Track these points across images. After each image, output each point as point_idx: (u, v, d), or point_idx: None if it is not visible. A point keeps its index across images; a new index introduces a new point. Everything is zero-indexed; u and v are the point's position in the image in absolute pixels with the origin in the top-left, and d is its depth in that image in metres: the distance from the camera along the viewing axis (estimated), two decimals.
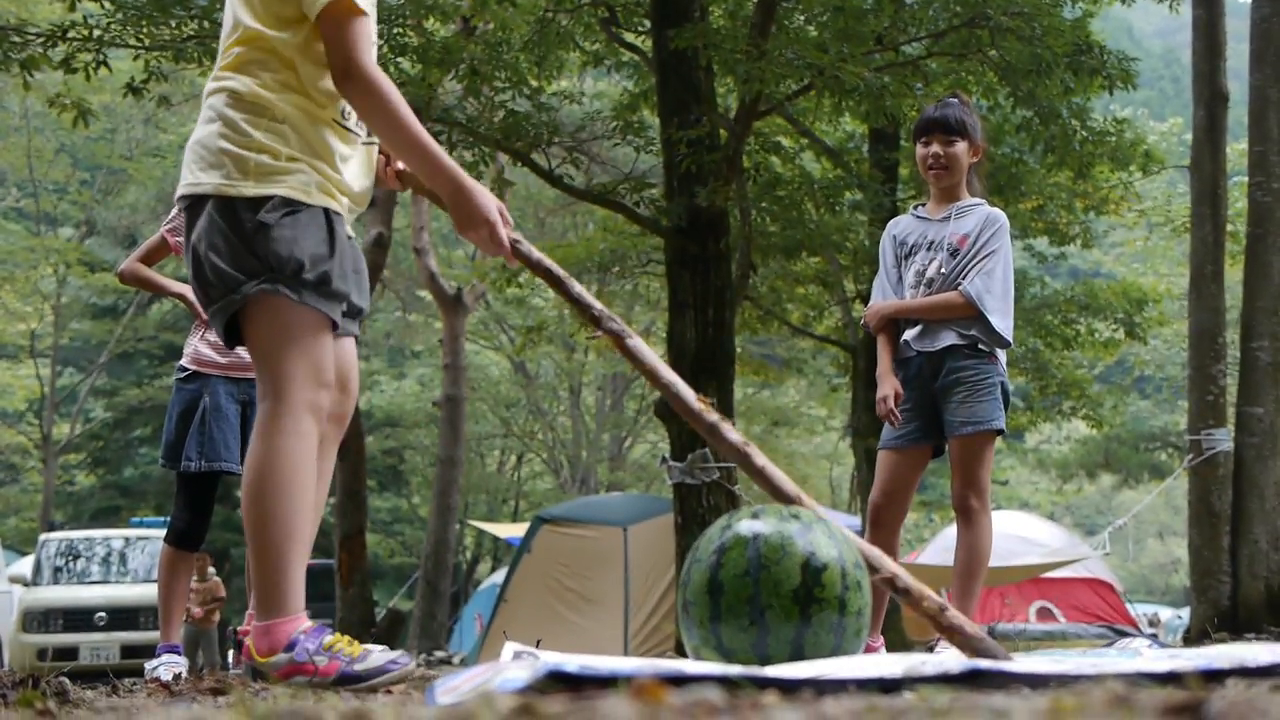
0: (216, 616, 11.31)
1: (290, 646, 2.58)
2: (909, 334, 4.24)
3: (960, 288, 4.15)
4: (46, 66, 9.15)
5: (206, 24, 9.03)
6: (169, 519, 4.97)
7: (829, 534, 2.39)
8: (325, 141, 2.68)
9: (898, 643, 10.48)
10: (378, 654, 2.63)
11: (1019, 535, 12.81)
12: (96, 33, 8.98)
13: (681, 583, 2.44)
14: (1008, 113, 10.36)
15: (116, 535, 14.42)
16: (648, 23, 10.44)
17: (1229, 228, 10.36)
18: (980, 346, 4.16)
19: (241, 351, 3.04)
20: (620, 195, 10.34)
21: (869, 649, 3.93)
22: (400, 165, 2.98)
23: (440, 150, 2.72)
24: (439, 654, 14.47)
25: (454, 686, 1.93)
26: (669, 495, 9.73)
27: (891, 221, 4.55)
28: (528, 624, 10.77)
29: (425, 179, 2.77)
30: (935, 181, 4.30)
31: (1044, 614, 14.43)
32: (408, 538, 30.42)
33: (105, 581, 13.34)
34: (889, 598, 4.42)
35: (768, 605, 2.28)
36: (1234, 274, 10.50)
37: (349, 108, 2.72)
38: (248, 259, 2.59)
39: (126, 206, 26.84)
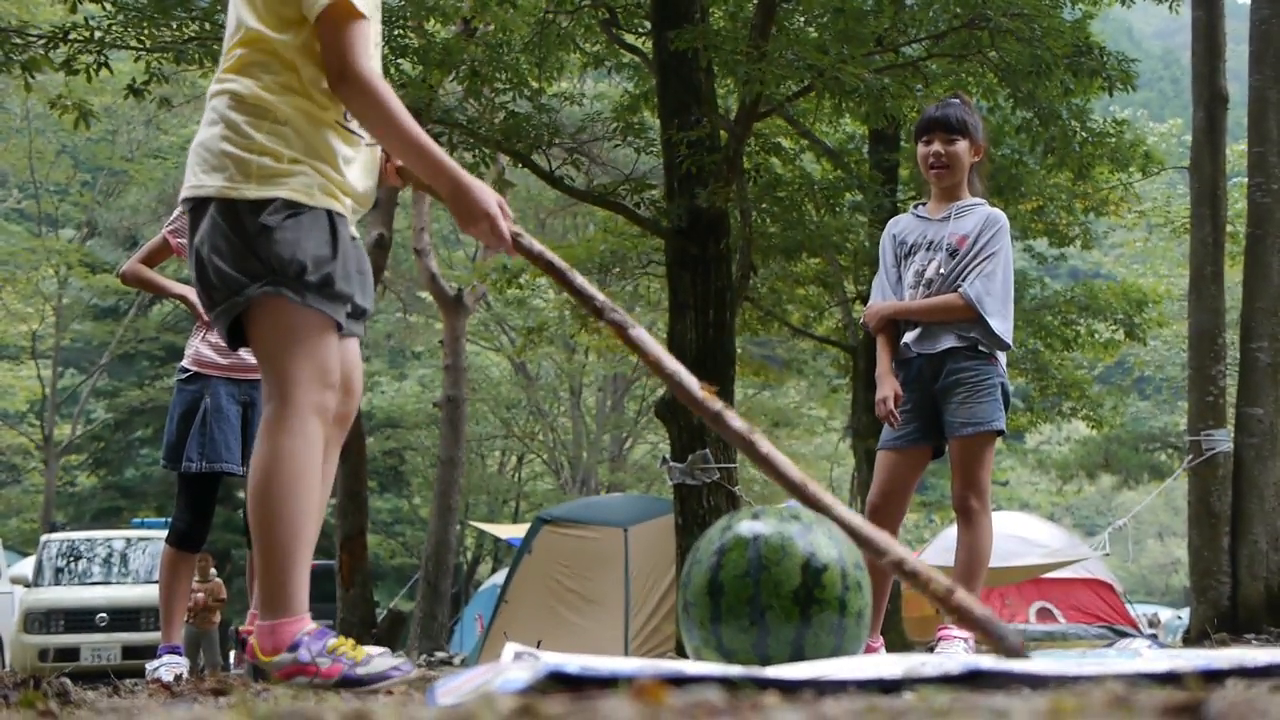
0: (217, 617, 11.33)
1: (294, 647, 2.59)
2: (909, 336, 4.24)
3: (960, 290, 4.14)
4: (48, 68, 9.16)
5: (207, 25, 9.05)
6: (170, 520, 4.97)
7: (829, 535, 2.39)
8: (328, 143, 2.69)
9: (898, 643, 10.49)
10: (380, 659, 2.63)
11: (1019, 536, 12.81)
12: (98, 34, 9.00)
13: (682, 583, 2.45)
14: (1007, 114, 10.37)
15: (118, 536, 14.43)
16: (648, 24, 10.44)
17: (1229, 229, 10.36)
18: (980, 348, 4.16)
19: (243, 353, 3.04)
20: (621, 196, 10.35)
21: (869, 649, 3.93)
22: (399, 162, 2.99)
23: (438, 149, 2.73)
24: (440, 655, 14.46)
25: (455, 687, 1.93)
26: (669, 496, 9.73)
27: (891, 220, 4.54)
28: (528, 625, 10.77)
29: (425, 178, 2.78)
30: (936, 181, 4.29)
31: (1044, 614, 14.43)
32: (408, 538, 30.42)
33: (106, 582, 13.36)
34: (889, 598, 4.43)
35: (768, 606, 2.28)
36: (1234, 275, 10.51)
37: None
38: (251, 261, 2.60)
39: (127, 208, 26.85)
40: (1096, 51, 9.13)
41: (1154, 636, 14.16)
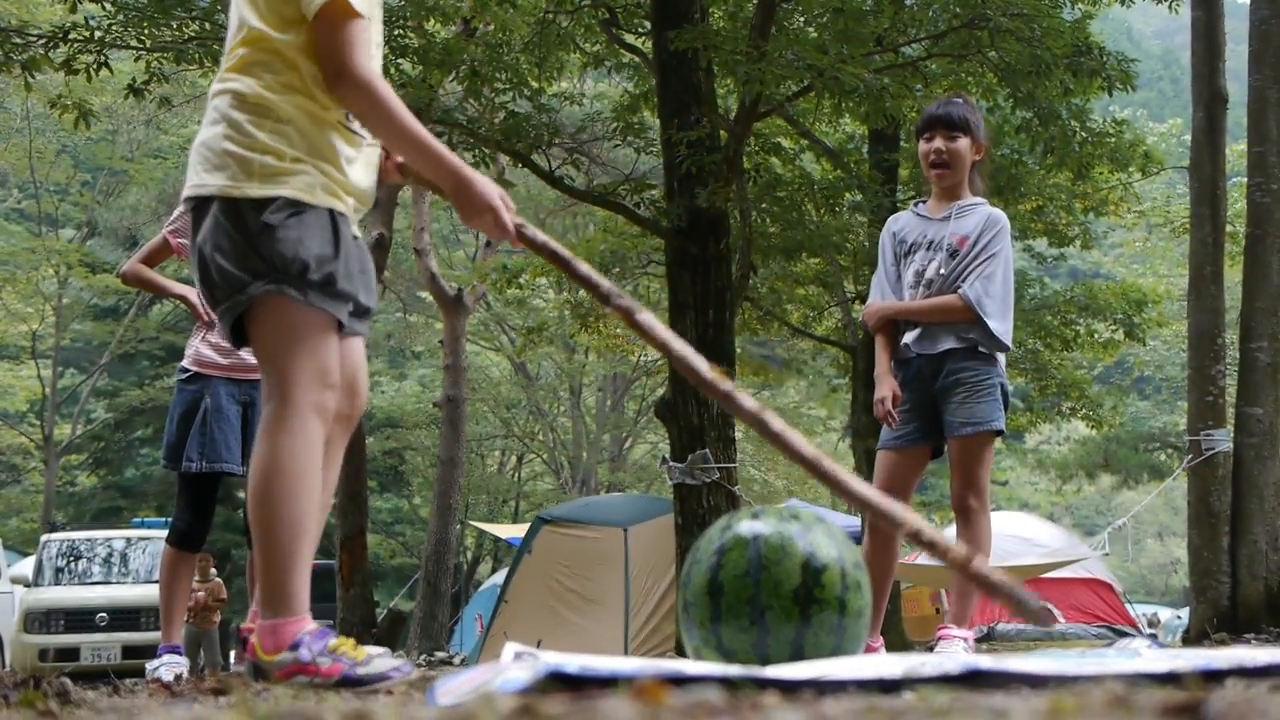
0: (218, 617, 11.33)
1: (294, 646, 2.59)
2: (909, 336, 4.22)
3: (960, 291, 4.12)
4: (48, 68, 9.18)
5: (207, 25, 9.06)
6: (170, 520, 4.98)
7: (829, 535, 2.40)
8: (330, 142, 2.69)
9: (897, 643, 10.50)
10: (380, 659, 2.64)
11: (1019, 535, 12.83)
12: (98, 34, 9.01)
13: (682, 583, 2.45)
14: (1007, 114, 10.37)
15: (118, 536, 14.43)
16: (648, 24, 10.45)
17: (1228, 228, 10.34)
18: (980, 349, 4.16)
19: (243, 353, 3.05)
20: (620, 196, 10.36)
21: (869, 649, 3.93)
22: (399, 159, 2.99)
23: (438, 143, 2.73)
24: (440, 654, 14.47)
25: (455, 687, 1.93)
26: (669, 496, 9.74)
27: (891, 218, 4.51)
28: (528, 624, 10.78)
29: (426, 173, 2.79)
30: (938, 180, 4.27)
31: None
32: (408, 538, 30.43)
33: (106, 582, 13.36)
34: (889, 598, 4.43)
35: (768, 606, 2.29)
36: (1233, 275, 10.51)
37: None
38: (253, 260, 2.60)
39: (128, 208, 26.87)
40: (1096, 51, 9.14)
41: (1153, 636, 14.17)
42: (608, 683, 1.75)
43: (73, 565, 13.60)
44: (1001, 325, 4.12)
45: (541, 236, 2.79)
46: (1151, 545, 46.06)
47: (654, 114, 10.67)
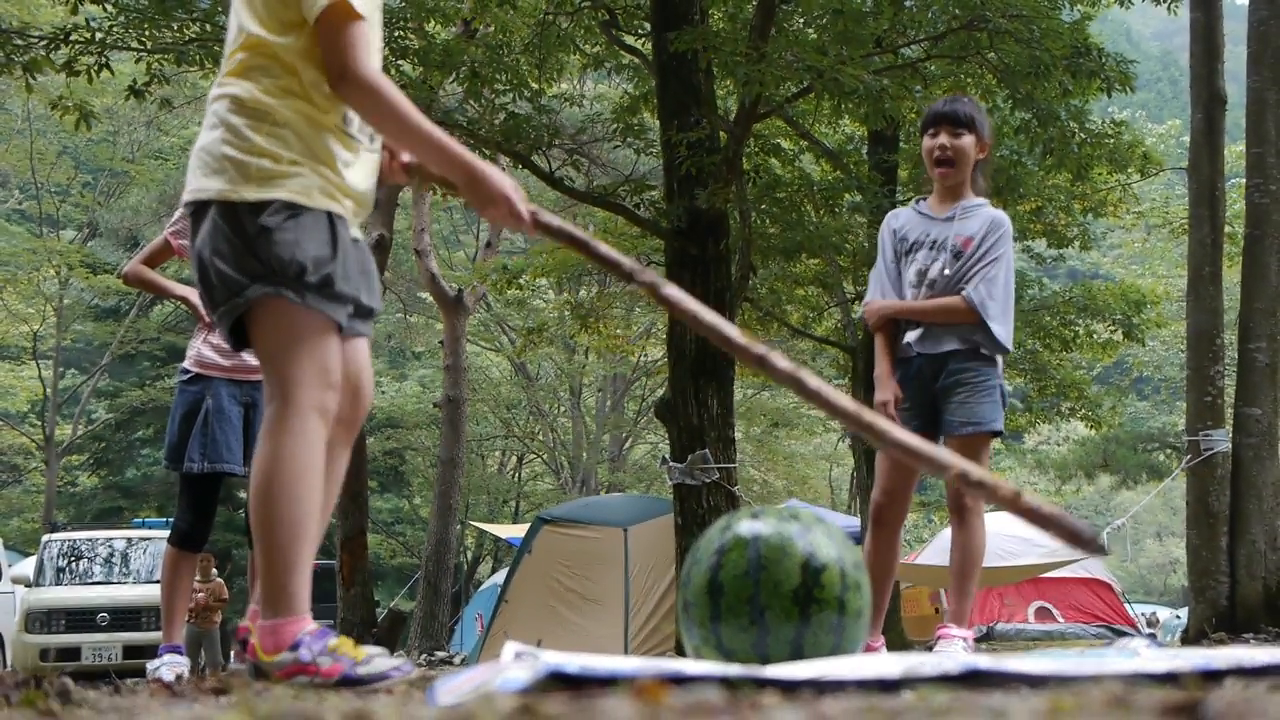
0: (219, 617, 11.33)
1: (295, 646, 2.60)
2: (911, 336, 4.21)
3: (963, 294, 4.11)
4: (49, 69, 9.18)
5: (208, 27, 9.07)
6: (172, 520, 4.99)
7: (828, 535, 2.40)
8: (327, 146, 2.70)
9: (897, 643, 10.50)
10: (381, 659, 2.64)
11: (1018, 535, 12.82)
12: (99, 36, 9.02)
13: (682, 583, 2.46)
14: (1006, 115, 10.38)
15: (119, 536, 14.44)
16: (648, 25, 10.46)
17: (1227, 229, 10.35)
18: (982, 351, 4.17)
19: (245, 354, 3.06)
20: (620, 197, 10.36)
21: (869, 649, 3.94)
22: (405, 159, 3.00)
23: (447, 138, 2.73)
24: (440, 654, 14.48)
25: (455, 687, 1.94)
26: (669, 496, 9.75)
27: (891, 214, 4.48)
28: (528, 624, 10.79)
29: (438, 168, 2.79)
30: (941, 178, 4.24)
31: (1043, 614, 14.45)
32: (409, 538, 30.41)
33: (107, 582, 13.37)
34: (890, 597, 4.44)
35: (767, 605, 2.29)
36: (1232, 275, 10.52)
37: (351, 114, 2.74)
38: (250, 262, 2.61)
39: (128, 209, 26.87)
40: (1095, 53, 9.14)
41: (1152, 636, 14.18)
42: (608, 682, 1.76)
43: (74, 565, 13.61)
44: (1003, 328, 4.13)
45: (557, 221, 2.79)
46: (1150, 545, 46.09)
47: (654, 115, 10.68)
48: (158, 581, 5.08)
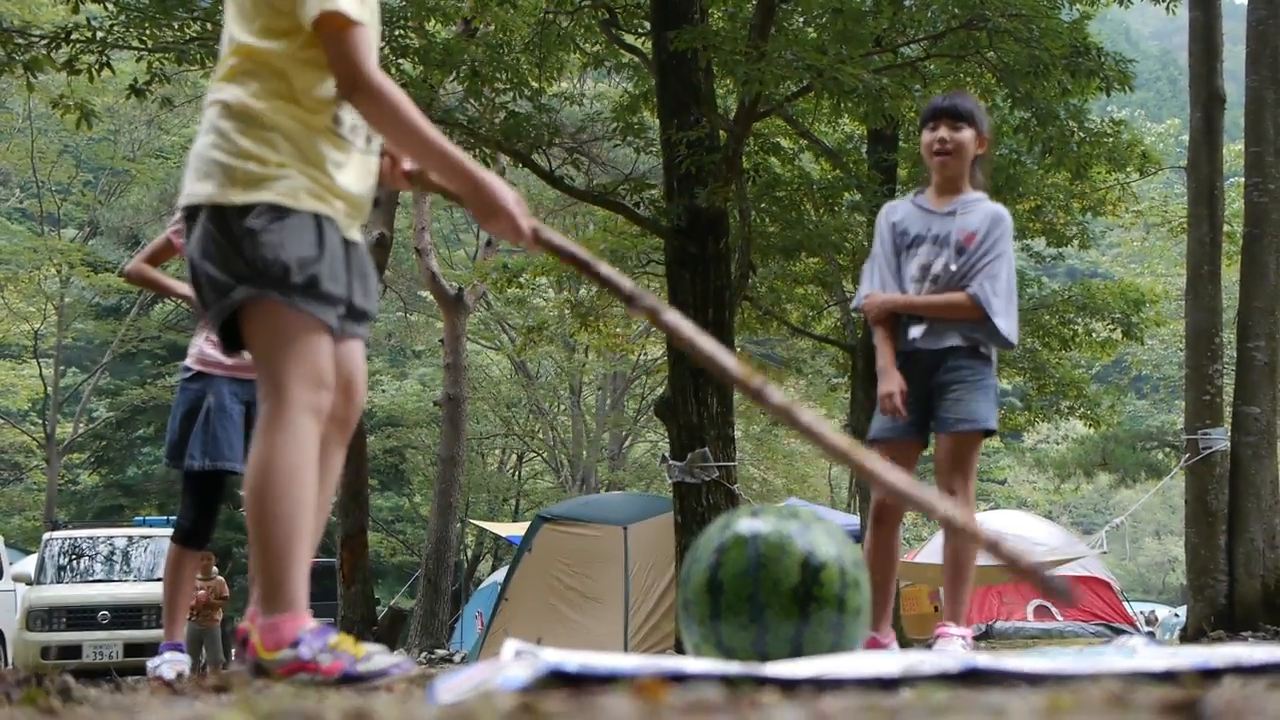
0: (220, 615, 11.33)
1: (295, 644, 2.61)
2: (914, 331, 4.18)
3: (968, 291, 4.10)
4: (50, 68, 9.18)
5: (209, 25, 9.06)
6: (174, 518, 4.99)
7: (828, 533, 2.41)
8: (317, 148, 2.72)
9: (897, 641, 10.50)
10: (381, 656, 2.65)
11: (1017, 534, 12.84)
12: (100, 34, 9.01)
13: (682, 581, 2.46)
14: (1005, 114, 10.38)
15: (119, 534, 14.45)
16: (647, 24, 10.46)
17: (1226, 228, 10.36)
18: (981, 349, 4.17)
19: (246, 353, 3.07)
20: (620, 196, 10.37)
21: (879, 645, 3.95)
22: (407, 165, 3.01)
23: (454, 148, 2.75)
24: (440, 652, 14.48)
25: (455, 685, 1.94)
26: (669, 494, 9.76)
27: (888, 207, 4.45)
28: (528, 622, 10.80)
29: (442, 178, 2.81)
30: (940, 169, 4.22)
31: (1041, 612, 14.46)
32: (409, 536, 30.42)
33: (108, 580, 13.37)
34: (895, 594, 4.45)
35: (767, 603, 2.30)
36: (1231, 274, 10.52)
37: (342, 115, 2.75)
38: (237, 264, 2.64)
39: (129, 207, 26.88)
40: (1094, 52, 9.14)
41: (1151, 635, 14.20)
42: (608, 680, 1.76)
43: (75, 563, 13.61)
44: (1008, 323, 4.13)
45: (559, 239, 2.80)
46: (1149, 544, 46.08)
47: (654, 114, 10.68)
48: (159, 580, 5.09)
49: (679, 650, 8.19)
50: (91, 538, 14.17)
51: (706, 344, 2.58)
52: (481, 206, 2.75)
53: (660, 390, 17.01)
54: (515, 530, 17.53)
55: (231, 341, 2.75)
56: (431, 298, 20.87)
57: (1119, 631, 13.69)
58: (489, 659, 2.14)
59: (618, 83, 13.51)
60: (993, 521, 13.78)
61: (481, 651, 11.37)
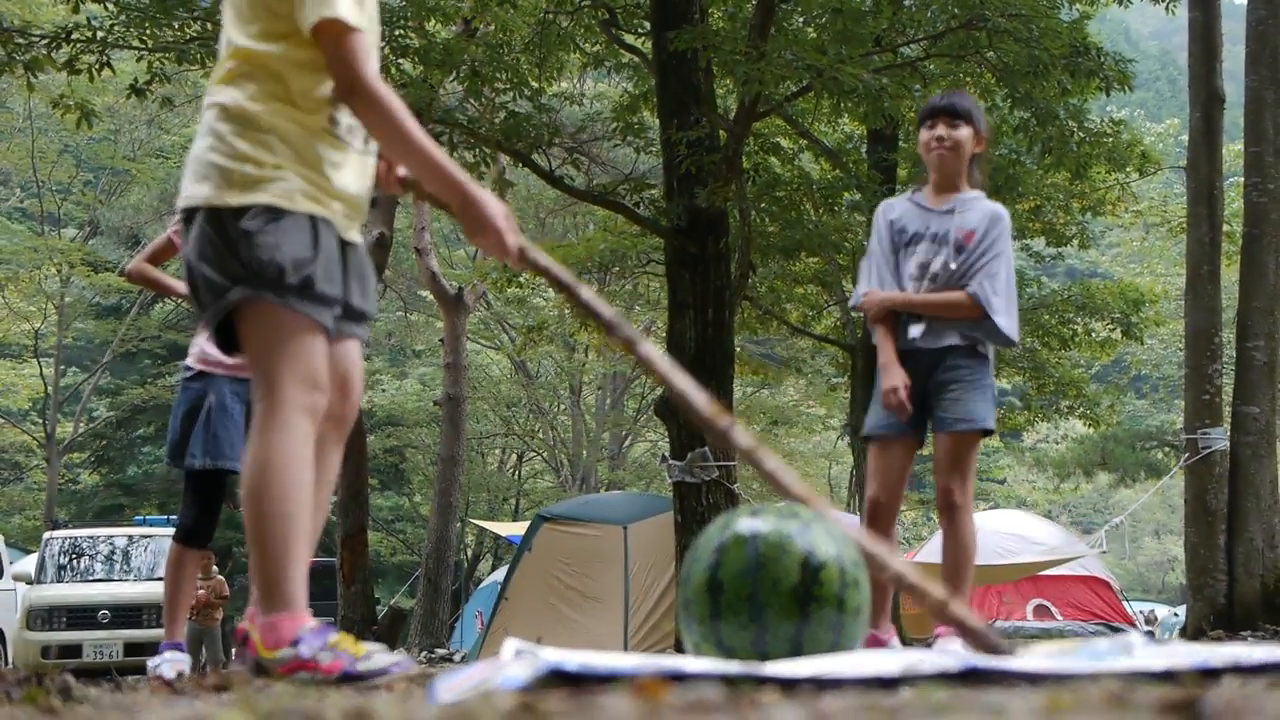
0: (220, 614, 11.33)
1: (295, 642, 2.61)
2: (914, 330, 4.17)
3: (968, 290, 4.10)
4: (50, 68, 9.18)
5: (209, 25, 9.06)
6: (174, 517, 5.00)
7: (828, 532, 2.41)
8: (314, 150, 2.73)
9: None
10: (381, 655, 2.66)
11: (1017, 534, 12.85)
12: (100, 34, 9.02)
13: (681, 580, 2.47)
14: (1005, 114, 10.39)
15: (120, 533, 14.45)
16: (647, 24, 10.46)
17: (1225, 228, 10.37)
18: (979, 349, 4.17)
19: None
20: (620, 196, 10.37)
21: (880, 642, 3.96)
22: (402, 172, 3.03)
23: (447, 159, 2.77)
24: (440, 651, 14.48)
25: (455, 684, 1.94)
26: (669, 494, 9.76)
27: (885, 205, 4.43)
28: (528, 621, 10.79)
29: (434, 188, 2.82)
30: (939, 165, 4.21)
31: (1041, 611, 14.46)
32: (409, 536, 30.42)
33: (109, 579, 13.37)
34: (894, 592, 4.45)
35: (767, 603, 2.30)
36: (1230, 274, 10.53)
37: (339, 116, 2.76)
38: (232, 265, 2.65)
39: (130, 207, 26.87)
40: (1094, 52, 9.15)
41: (1150, 634, 14.20)
42: (607, 680, 1.77)
43: (75, 562, 13.61)
44: (1008, 321, 4.12)
45: (544, 260, 2.82)
46: (1149, 543, 46.08)
47: (654, 114, 10.68)
48: (159, 579, 5.10)
49: (679, 650, 8.19)
50: (92, 537, 14.17)
51: (680, 380, 2.65)
52: (470, 220, 2.76)
53: (660, 390, 17.01)
54: (515, 530, 17.53)
55: (228, 343, 2.76)
56: (431, 297, 20.87)
57: (1118, 631, 13.70)
58: (489, 658, 2.14)
59: (618, 83, 13.51)
60: (993, 521, 13.78)
61: (481, 651, 11.37)
